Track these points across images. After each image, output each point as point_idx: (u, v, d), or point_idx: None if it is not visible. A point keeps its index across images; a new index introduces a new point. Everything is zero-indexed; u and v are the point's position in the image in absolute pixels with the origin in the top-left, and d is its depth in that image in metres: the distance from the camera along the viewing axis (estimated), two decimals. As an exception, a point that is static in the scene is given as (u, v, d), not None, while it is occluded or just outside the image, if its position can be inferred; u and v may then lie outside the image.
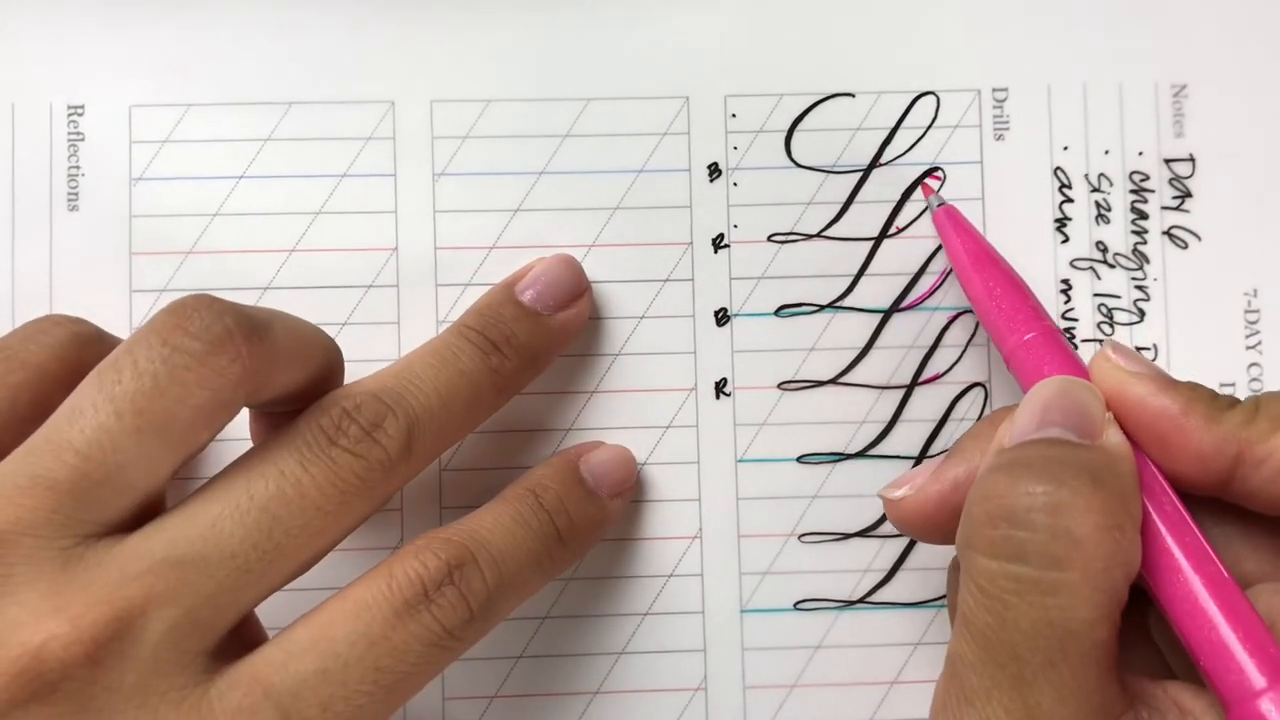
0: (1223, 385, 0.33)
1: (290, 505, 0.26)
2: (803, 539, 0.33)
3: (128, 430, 0.25)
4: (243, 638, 0.27)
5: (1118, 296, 0.33)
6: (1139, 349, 0.33)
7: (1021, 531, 0.24)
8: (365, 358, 0.32)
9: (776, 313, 0.33)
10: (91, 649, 0.24)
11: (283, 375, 0.27)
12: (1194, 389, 0.27)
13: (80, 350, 0.28)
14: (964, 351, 0.33)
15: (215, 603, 0.25)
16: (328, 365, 0.29)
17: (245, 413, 0.30)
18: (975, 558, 0.25)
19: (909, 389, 0.33)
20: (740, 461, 0.33)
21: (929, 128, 0.34)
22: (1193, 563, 0.25)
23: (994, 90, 0.34)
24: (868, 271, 0.33)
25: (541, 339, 0.31)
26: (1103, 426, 0.26)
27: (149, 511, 0.26)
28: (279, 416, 0.28)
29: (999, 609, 0.24)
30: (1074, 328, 0.33)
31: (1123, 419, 0.27)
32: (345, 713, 0.25)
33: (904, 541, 0.33)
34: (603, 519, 0.31)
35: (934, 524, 0.28)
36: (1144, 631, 0.28)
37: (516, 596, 0.28)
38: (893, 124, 0.34)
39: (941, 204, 0.33)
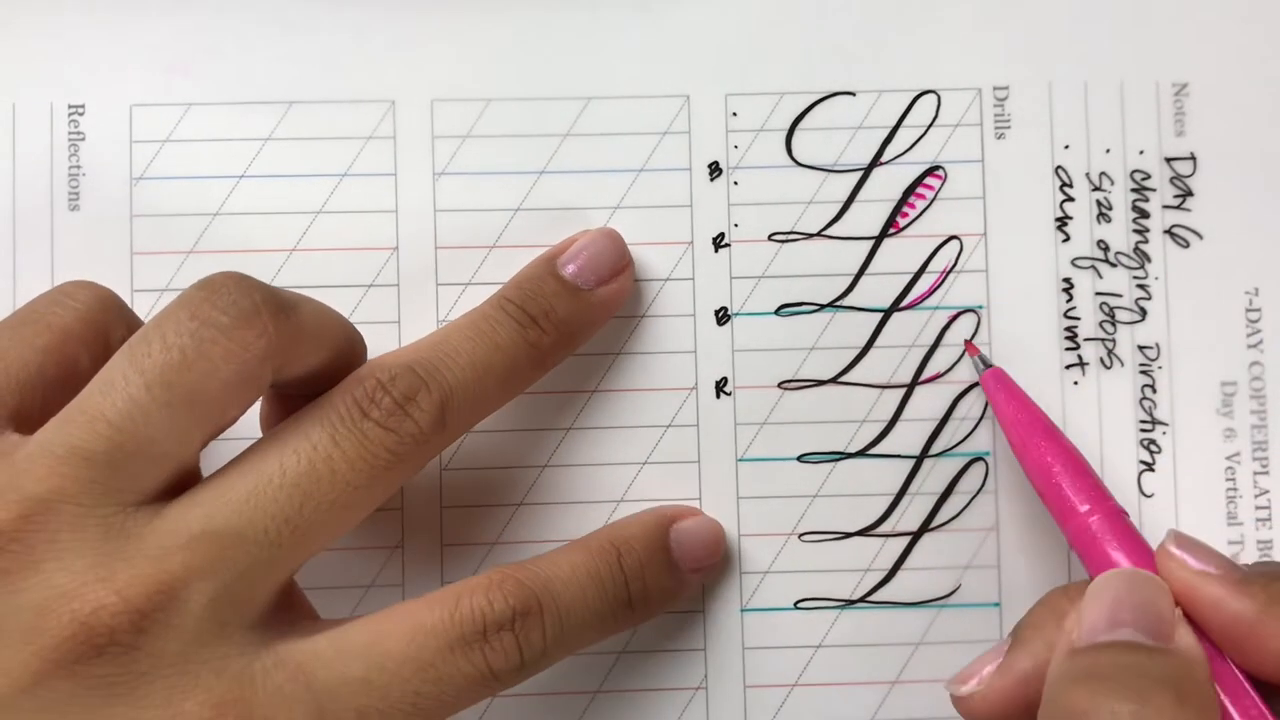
0: (1224, 384, 0.33)
1: (320, 481, 0.26)
2: (803, 538, 0.33)
3: (158, 403, 0.25)
4: (289, 609, 0.27)
5: (1119, 295, 0.33)
6: (1140, 348, 0.33)
7: None
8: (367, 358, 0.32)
9: (777, 312, 0.33)
10: (138, 619, 0.25)
11: (308, 355, 0.27)
12: (1268, 586, 0.26)
13: (105, 313, 0.28)
14: (964, 351, 0.33)
15: (250, 577, 0.26)
16: (351, 349, 0.29)
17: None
18: None
19: (909, 388, 0.33)
20: (741, 461, 0.33)
21: (930, 126, 0.34)
22: None
23: (995, 89, 0.34)
24: (868, 270, 0.33)
25: (581, 314, 0.31)
26: (1174, 627, 0.26)
27: (184, 481, 0.27)
28: (295, 401, 0.28)
29: None
30: (1076, 326, 0.33)
31: (1195, 619, 0.26)
32: None
33: (905, 541, 0.33)
34: (676, 593, 0.31)
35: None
36: None
37: (568, 651, 0.28)
38: (893, 123, 0.34)
39: (988, 367, 0.32)
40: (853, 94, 0.34)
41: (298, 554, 0.26)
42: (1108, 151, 0.34)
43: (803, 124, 0.34)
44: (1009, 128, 0.34)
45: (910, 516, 0.33)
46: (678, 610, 0.33)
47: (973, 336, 0.33)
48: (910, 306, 0.33)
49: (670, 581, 0.31)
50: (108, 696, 0.25)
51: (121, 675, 0.25)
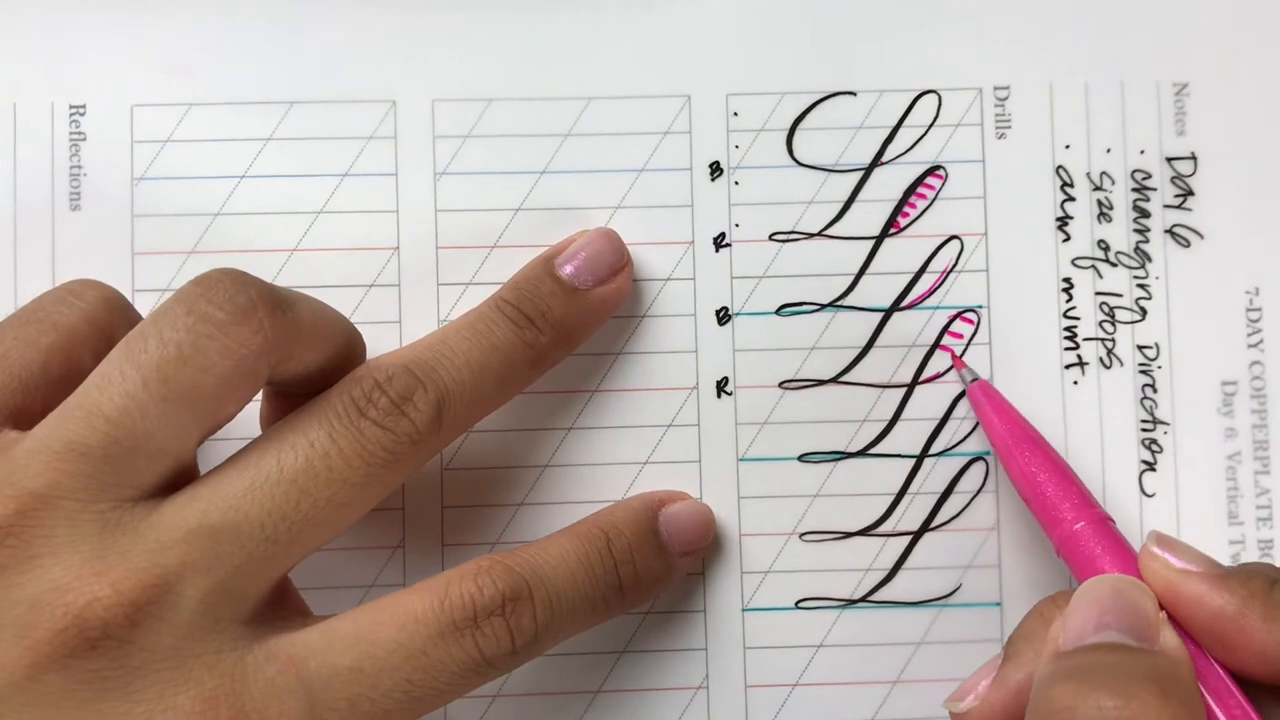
0: (1225, 384, 0.33)
1: (318, 479, 0.26)
2: (804, 538, 0.33)
3: (154, 398, 0.26)
4: (282, 605, 0.27)
5: (1119, 295, 0.33)
6: (1140, 348, 0.33)
7: None
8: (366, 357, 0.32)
9: (778, 311, 0.33)
10: (131, 612, 0.25)
11: (305, 352, 0.28)
12: (1248, 582, 0.26)
13: (110, 314, 0.28)
14: (965, 350, 0.33)
15: (245, 572, 0.26)
16: (349, 348, 0.29)
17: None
18: None
19: (910, 388, 0.33)
20: (742, 460, 0.33)
21: (931, 126, 0.34)
22: None
23: (995, 89, 0.34)
24: (869, 270, 0.33)
25: (578, 314, 0.31)
26: (1159, 629, 0.26)
27: (182, 477, 0.27)
28: (294, 400, 0.29)
29: None
30: (1076, 326, 0.33)
31: (1178, 617, 0.27)
32: (371, 713, 0.26)
33: (905, 541, 0.33)
34: (667, 576, 0.31)
35: None
36: None
37: (562, 636, 0.29)
38: (894, 123, 0.34)
39: (975, 379, 0.32)
40: (853, 94, 0.34)
41: (294, 551, 0.27)
42: (1108, 151, 0.34)
43: (804, 124, 0.34)
44: (1010, 128, 0.34)
45: (911, 516, 0.33)
46: (678, 610, 0.33)
47: (972, 337, 0.33)
48: (911, 306, 0.33)
49: (660, 565, 0.31)
50: (100, 690, 0.25)
51: (114, 669, 0.25)
